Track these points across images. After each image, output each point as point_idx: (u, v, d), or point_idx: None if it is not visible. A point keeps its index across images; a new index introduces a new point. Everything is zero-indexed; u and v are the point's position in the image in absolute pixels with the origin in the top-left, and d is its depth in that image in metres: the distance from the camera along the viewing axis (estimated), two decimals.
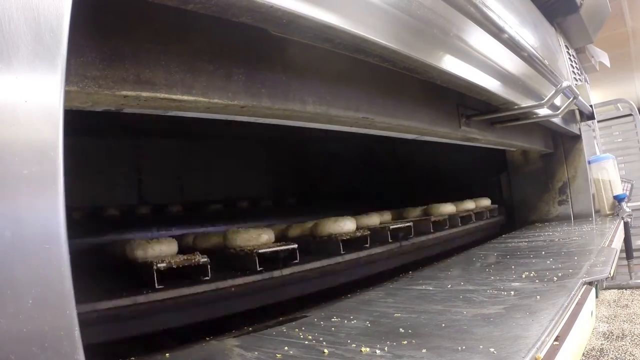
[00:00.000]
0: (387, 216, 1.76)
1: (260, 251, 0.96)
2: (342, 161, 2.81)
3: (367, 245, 1.19)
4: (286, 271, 1.00)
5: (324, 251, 1.16)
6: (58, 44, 0.33)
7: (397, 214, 1.85)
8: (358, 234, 1.20)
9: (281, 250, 0.99)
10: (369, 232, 1.22)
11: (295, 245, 1.01)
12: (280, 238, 1.29)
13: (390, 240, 1.29)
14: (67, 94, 0.38)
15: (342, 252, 1.14)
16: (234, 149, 2.31)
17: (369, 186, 2.94)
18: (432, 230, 1.52)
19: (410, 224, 1.39)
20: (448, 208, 1.73)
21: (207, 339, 0.83)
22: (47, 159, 0.32)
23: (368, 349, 0.69)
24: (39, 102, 0.32)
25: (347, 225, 1.19)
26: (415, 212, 1.77)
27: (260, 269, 0.95)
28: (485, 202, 2.04)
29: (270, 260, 0.99)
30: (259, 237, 1.05)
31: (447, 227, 1.61)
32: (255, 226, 1.14)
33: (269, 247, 0.99)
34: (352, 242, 1.17)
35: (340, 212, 2.62)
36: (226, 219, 2.00)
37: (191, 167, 2.14)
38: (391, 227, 1.32)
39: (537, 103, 1.46)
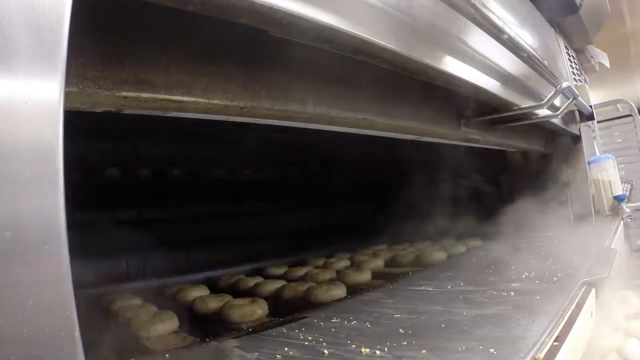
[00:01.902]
0: (379, 262, 1.76)
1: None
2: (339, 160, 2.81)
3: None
4: None
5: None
6: (58, 45, 0.33)
7: (391, 259, 1.84)
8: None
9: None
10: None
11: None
12: (274, 298, 1.32)
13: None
14: (67, 95, 0.38)
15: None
16: None
17: (368, 185, 2.94)
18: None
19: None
20: (439, 255, 1.71)
21: (207, 339, 0.83)
22: (47, 160, 0.32)
23: (368, 350, 0.69)
24: (39, 103, 0.32)
25: (337, 293, 1.22)
26: (408, 259, 1.75)
27: None
28: (477, 242, 2.03)
29: None
30: (253, 314, 1.09)
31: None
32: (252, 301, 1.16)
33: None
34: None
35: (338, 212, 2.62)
36: None
37: None
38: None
39: (536, 104, 1.46)
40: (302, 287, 1.31)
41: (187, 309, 1.26)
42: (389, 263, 1.81)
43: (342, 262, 1.81)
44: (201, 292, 1.39)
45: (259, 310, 1.10)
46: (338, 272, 1.57)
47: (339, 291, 1.23)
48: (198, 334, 0.94)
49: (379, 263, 1.75)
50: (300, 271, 1.68)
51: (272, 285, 1.44)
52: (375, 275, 1.55)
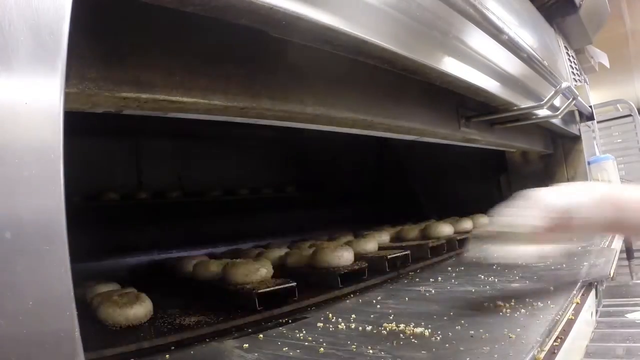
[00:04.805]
0: (385, 236, 1.77)
1: (259, 291, 0.95)
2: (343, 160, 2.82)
3: (364, 277, 1.19)
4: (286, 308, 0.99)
5: (323, 284, 1.14)
6: (58, 46, 0.33)
7: (395, 234, 1.84)
8: (356, 266, 1.19)
9: (280, 288, 0.97)
10: (366, 264, 1.21)
11: (294, 284, 0.99)
12: (279, 267, 1.27)
13: (387, 270, 1.27)
14: (67, 96, 0.38)
15: (339, 286, 1.12)
16: None
17: (369, 186, 2.94)
18: (429, 256, 1.49)
19: (408, 252, 1.36)
20: (446, 229, 1.68)
21: (207, 340, 0.83)
22: (48, 161, 0.32)
23: (368, 350, 0.69)
24: (39, 104, 0.32)
25: (344, 255, 1.19)
26: (414, 233, 1.75)
27: (260, 308, 0.95)
28: (483, 219, 2.01)
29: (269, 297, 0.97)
30: (257, 272, 1.04)
31: (444, 251, 1.57)
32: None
33: (267, 287, 0.97)
34: (350, 275, 1.16)
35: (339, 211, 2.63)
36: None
37: None
38: (389, 256, 1.29)
39: (536, 104, 1.46)
40: (307, 252, 1.26)
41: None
42: (394, 239, 1.82)
43: (346, 238, 1.79)
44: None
45: (263, 269, 1.05)
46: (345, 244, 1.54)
47: (347, 254, 1.19)
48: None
49: (384, 237, 1.75)
50: (304, 245, 1.60)
51: (276, 253, 1.40)
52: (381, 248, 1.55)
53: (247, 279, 1.03)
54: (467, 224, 1.85)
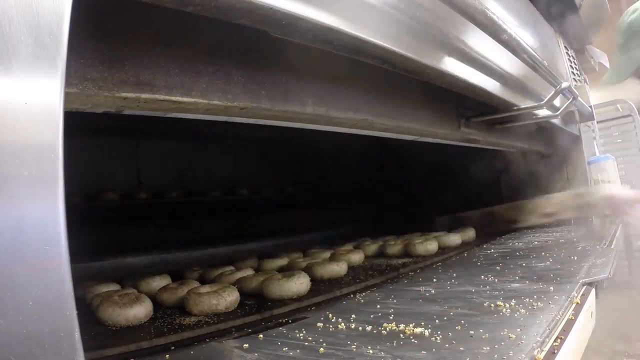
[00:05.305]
0: (373, 246, 1.75)
1: None
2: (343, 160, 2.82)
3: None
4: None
5: None
6: (58, 46, 0.33)
7: (378, 248, 1.81)
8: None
9: None
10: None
11: None
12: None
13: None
14: (67, 96, 0.38)
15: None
16: None
17: (368, 186, 2.94)
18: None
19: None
20: (431, 246, 1.62)
21: (207, 340, 0.83)
22: (48, 161, 0.32)
23: (368, 350, 0.69)
24: (39, 104, 0.32)
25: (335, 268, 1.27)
26: (396, 247, 1.70)
27: None
28: (471, 233, 1.98)
29: None
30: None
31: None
32: None
33: None
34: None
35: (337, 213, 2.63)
36: None
37: None
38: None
39: (536, 104, 1.46)
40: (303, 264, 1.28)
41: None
42: (377, 255, 1.78)
43: (322, 254, 1.66)
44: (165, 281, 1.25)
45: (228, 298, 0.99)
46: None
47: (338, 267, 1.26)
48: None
49: (358, 257, 1.60)
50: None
51: (237, 275, 1.29)
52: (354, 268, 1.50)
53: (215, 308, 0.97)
54: (454, 238, 1.81)
